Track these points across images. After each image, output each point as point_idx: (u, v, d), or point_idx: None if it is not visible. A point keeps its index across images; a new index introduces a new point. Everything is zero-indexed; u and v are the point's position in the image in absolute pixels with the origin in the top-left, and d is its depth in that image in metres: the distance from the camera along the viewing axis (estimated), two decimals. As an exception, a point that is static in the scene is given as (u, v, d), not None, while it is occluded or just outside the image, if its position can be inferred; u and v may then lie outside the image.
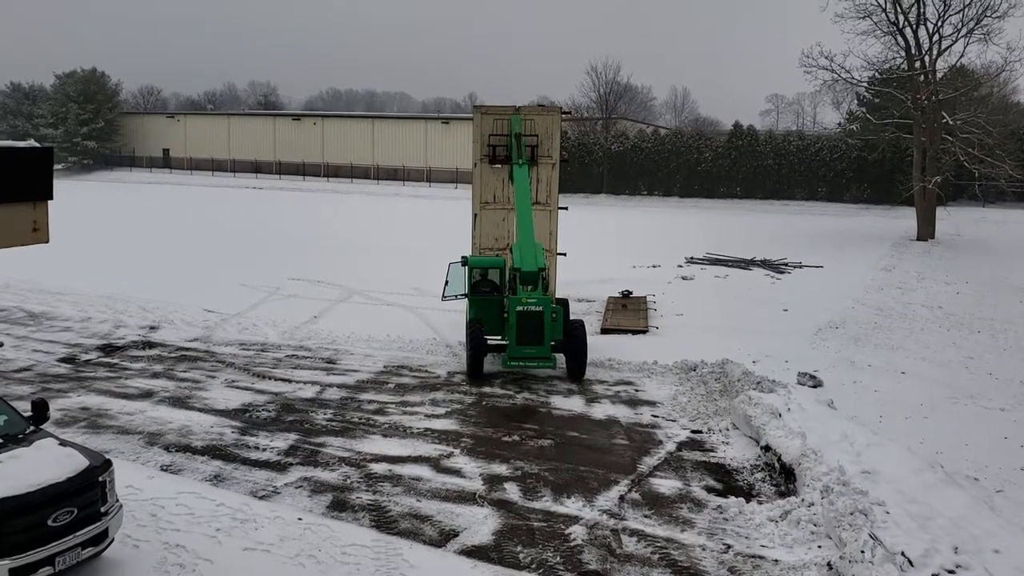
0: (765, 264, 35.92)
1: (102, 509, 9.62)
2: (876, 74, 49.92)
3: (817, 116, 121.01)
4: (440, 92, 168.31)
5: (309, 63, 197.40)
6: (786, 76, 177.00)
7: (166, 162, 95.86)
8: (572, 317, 19.85)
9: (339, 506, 11.96)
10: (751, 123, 73.74)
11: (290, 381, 18.03)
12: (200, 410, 16.14)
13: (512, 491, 12.45)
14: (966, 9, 44.28)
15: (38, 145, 11.21)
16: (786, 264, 36.00)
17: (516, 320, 16.75)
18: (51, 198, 11.14)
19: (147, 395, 17.02)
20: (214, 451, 14.02)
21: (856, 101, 66.34)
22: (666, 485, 12.81)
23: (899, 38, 46.22)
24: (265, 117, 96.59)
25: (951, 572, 9.02)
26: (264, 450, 14.10)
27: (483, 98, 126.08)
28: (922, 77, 45.87)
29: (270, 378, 18.24)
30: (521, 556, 10.62)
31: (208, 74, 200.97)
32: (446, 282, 19.46)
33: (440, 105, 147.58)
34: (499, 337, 18.11)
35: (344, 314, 24.56)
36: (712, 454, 14.15)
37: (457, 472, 13.16)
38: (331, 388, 17.58)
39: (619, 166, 72.77)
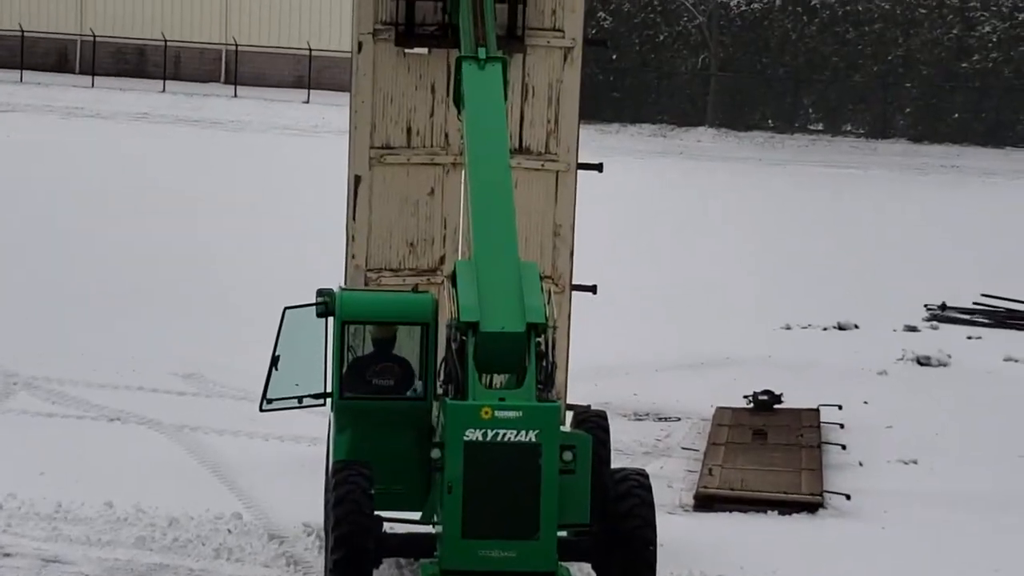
0: None
1: None
2: None
3: None
4: None
5: None
6: None
7: None
8: (618, 463, 14.83)
9: None
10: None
11: None
12: None
13: None
14: None
15: None
16: None
17: (466, 467, 12.08)
18: None
19: None
20: None
21: None
22: None
23: None
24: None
25: None
26: None
27: None
28: None
29: None
30: None
31: None
32: (274, 361, 13.87)
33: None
34: (416, 513, 13.39)
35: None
36: None
37: None
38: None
39: (749, 56, 54.05)
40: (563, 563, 12.07)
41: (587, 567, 12.80)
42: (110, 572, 13.21)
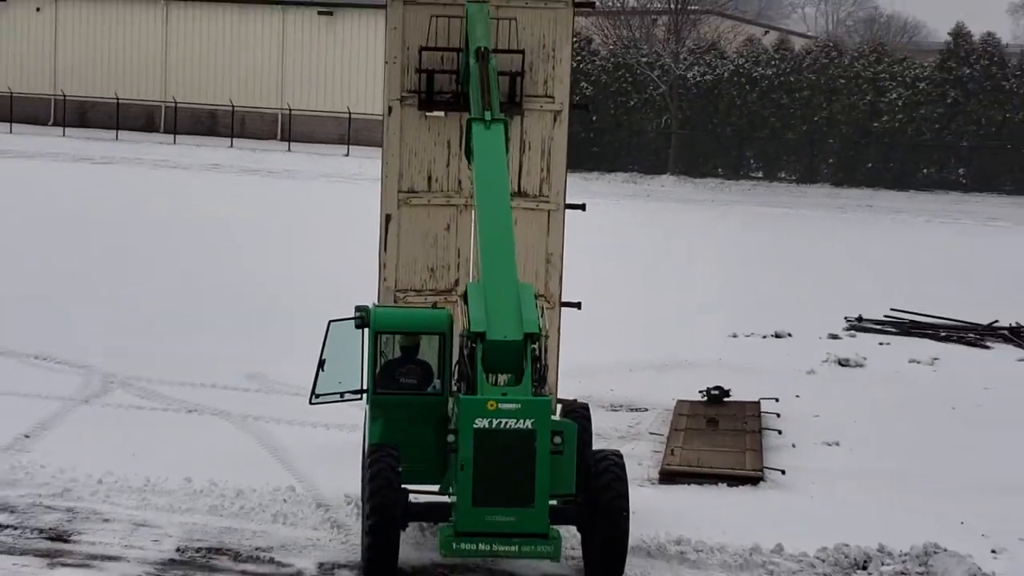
0: (1021, 336, 26.27)
1: None
2: None
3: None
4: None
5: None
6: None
7: None
8: (598, 446, 14.64)
9: None
10: (990, 30, 49.56)
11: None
12: None
13: None
14: None
15: None
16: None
17: (475, 449, 11.70)
18: None
19: None
20: None
21: None
22: None
23: None
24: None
25: None
26: None
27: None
28: None
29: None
30: None
31: None
32: (320, 364, 13.49)
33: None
34: (435, 486, 12.97)
35: (92, 430, 16.70)
36: None
37: None
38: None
39: (703, 117, 53.16)
40: (554, 526, 12.08)
41: (573, 529, 12.90)
42: (189, 533, 13.23)
